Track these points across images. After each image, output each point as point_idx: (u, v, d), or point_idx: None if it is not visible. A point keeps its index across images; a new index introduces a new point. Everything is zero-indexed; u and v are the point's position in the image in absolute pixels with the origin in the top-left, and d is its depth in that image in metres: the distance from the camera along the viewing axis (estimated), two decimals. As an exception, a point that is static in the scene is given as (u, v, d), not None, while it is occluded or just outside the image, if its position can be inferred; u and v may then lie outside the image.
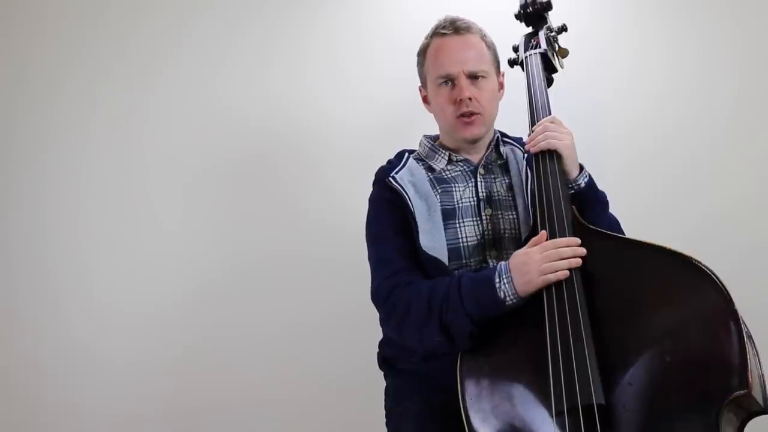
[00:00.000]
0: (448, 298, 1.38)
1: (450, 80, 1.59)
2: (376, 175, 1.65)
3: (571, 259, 1.30)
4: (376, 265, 1.56)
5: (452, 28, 1.60)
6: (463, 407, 1.28)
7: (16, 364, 2.19)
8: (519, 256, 1.35)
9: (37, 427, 2.16)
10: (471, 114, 1.57)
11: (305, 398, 2.12)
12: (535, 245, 1.34)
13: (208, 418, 2.13)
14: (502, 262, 1.37)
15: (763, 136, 2.10)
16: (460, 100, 1.56)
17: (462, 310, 1.36)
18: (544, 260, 1.31)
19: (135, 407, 2.15)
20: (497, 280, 1.34)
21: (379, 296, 1.51)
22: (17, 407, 2.17)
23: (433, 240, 1.50)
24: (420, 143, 1.71)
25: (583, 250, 1.31)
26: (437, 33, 1.62)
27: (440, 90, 1.60)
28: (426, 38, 1.65)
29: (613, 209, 1.58)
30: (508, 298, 1.33)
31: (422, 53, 1.66)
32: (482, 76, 1.59)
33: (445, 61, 1.59)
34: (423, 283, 1.45)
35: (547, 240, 1.34)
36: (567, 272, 1.29)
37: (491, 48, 1.63)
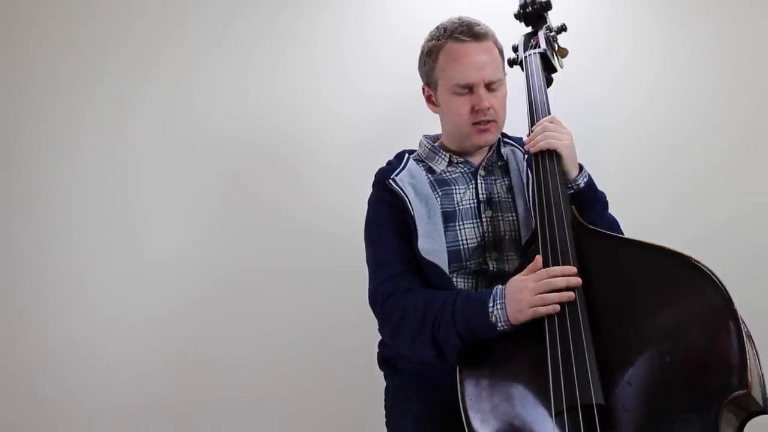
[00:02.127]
0: (441, 314, 1.38)
1: (468, 88, 1.55)
2: (376, 176, 1.65)
3: (562, 294, 1.27)
4: (373, 267, 1.55)
5: (471, 34, 1.55)
6: (463, 408, 1.29)
7: (17, 364, 2.19)
8: (514, 283, 1.33)
9: (37, 427, 2.17)
10: (488, 122, 1.56)
11: (306, 398, 2.12)
12: (532, 272, 1.32)
13: (209, 418, 2.13)
14: (499, 286, 1.35)
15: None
16: (479, 109, 1.54)
17: (453, 329, 1.35)
18: (536, 290, 1.29)
19: (134, 408, 2.15)
20: (491, 304, 1.33)
21: (375, 301, 1.51)
22: (17, 407, 2.17)
23: (433, 243, 1.50)
24: (420, 144, 1.70)
25: (578, 280, 1.28)
26: (454, 37, 1.56)
27: (457, 98, 1.56)
28: (437, 39, 1.58)
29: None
30: (499, 324, 1.32)
31: (433, 54, 1.59)
32: (498, 84, 1.57)
33: (464, 70, 1.54)
34: (420, 294, 1.44)
35: (544, 265, 1.32)
36: (557, 307, 1.26)
37: (502, 52, 1.61)
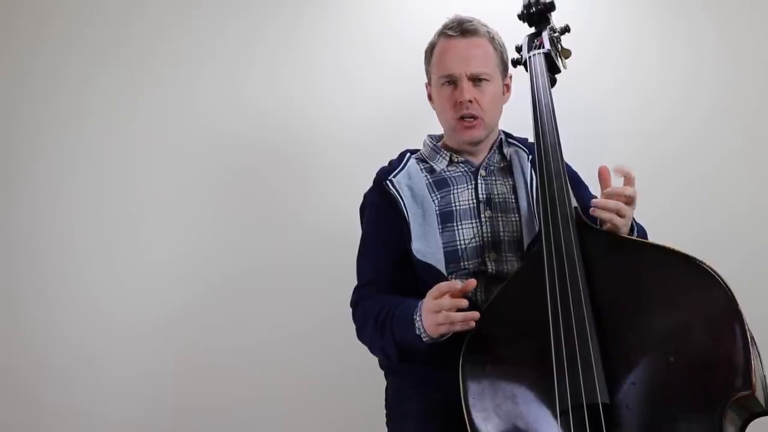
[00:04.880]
0: (384, 323, 1.46)
1: (452, 81, 1.59)
2: (376, 175, 1.67)
3: (467, 314, 1.31)
4: (356, 271, 1.63)
5: (459, 29, 1.60)
6: (466, 406, 1.29)
7: (18, 364, 2.18)
8: (425, 300, 1.37)
9: (37, 427, 2.16)
10: (471, 117, 1.57)
11: (306, 398, 2.12)
12: (437, 290, 1.35)
13: (209, 418, 2.12)
14: (423, 300, 1.39)
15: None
16: (460, 102, 1.56)
17: (391, 338, 1.44)
18: (433, 309, 1.33)
19: (135, 408, 2.14)
20: (416, 317, 1.38)
21: (351, 304, 1.60)
22: (17, 407, 2.16)
23: (427, 245, 1.51)
24: (423, 143, 1.71)
25: (462, 302, 1.32)
26: (444, 33, 1.62)
27: (442, 90, 1.61)
28: (434, 36, 1.65)
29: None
30: (423, 335, 1.38)
31: (429, 51, 1.66)
32: (485, 79, 1.58)
33: (447, 62, 1.59)
34: (378, 302, 1.51)
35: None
36: (456, 327, 1.32)
37: (498, 51, 1.63)
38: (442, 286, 1.34)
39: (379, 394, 1.66)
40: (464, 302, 1.33)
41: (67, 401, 2.16)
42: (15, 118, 2.29)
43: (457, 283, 1.34)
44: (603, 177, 1.39)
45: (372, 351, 1.57)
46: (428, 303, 1.36)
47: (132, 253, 2.21)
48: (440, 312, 1.32)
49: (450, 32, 1.60)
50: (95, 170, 2.25)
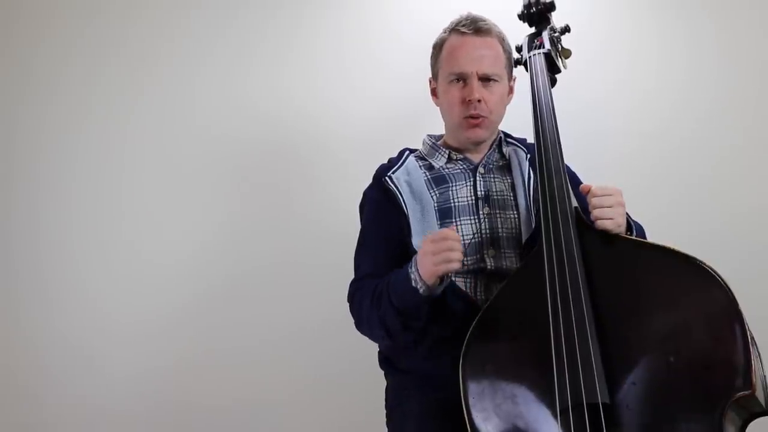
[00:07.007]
0: (381, 291, 1.47)
1: (462, 79, 1.58)
2: (376, 171, 1.68)
3: (445, 253, 1.36)
4: (354, 266, 1.63)
5: (473, 27, 1.59)
6: (465, 406, 1.29)
7: (18, 364, 2.19)
8: (422, 245, 1.42)
9: (37, 427, 2.16)
10: (478, 116, 1.57)
11: (306, 398, 2.12)
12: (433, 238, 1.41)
13: (209, 418, 2.12)
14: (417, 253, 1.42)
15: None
16: (469, 100, 1.56)
17: (389, 302, 1.44)
18: (430, 251, 1.37)
19: (134, 408, 2.14)
20: (411, 269, 1.41)
21: (348, 298, 1.60)
22: (18, 408, 2.16)
23: None
24: (423, 141, 1.72)
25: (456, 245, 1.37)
26: (456, 30, 1.61)
27: (450, 87, 1.60)
28: (444, 32, 1.64)
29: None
30: (418, 286, 1.39)
31: (438, 47, 1.64)
32: (494, 80, 1.58)
33: (459, 60, 1.58)
34: (372, 282, 1.51)
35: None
36: (458, 265, 1.37)
37: (507, 52, 1.64)
38: (442, 232, 1.39)
39: (379, 394, 1.66)
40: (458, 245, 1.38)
41: (66, 401, 2.16)
42: (15, 118, 2.30)
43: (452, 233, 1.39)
44: (585, 192, 1.40)
45: (371, 333, 1.55)
46: (426, 246, 1.38)
47: (132, 253, 2.21)
48: (438, 253, 1.35)
49: (463, 29, 1.59)
50: (95, 170, 2.25)
